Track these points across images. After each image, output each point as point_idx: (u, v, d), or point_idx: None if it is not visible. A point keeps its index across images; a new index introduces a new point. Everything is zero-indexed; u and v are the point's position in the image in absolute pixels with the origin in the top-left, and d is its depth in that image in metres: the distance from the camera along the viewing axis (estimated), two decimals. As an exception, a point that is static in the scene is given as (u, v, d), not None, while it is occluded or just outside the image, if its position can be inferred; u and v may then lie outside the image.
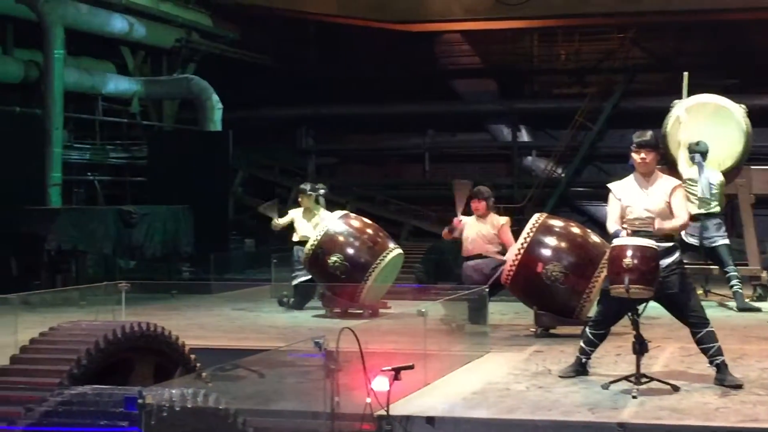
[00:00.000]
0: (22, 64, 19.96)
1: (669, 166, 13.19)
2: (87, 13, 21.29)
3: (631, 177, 8.31)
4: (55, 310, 12.40)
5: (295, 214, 14.05)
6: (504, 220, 11.93)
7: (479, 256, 11.71)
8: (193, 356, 6.99)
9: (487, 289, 10.82)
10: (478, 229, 11.78)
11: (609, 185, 8.43)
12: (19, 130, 17.96)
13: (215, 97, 23.33)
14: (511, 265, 10.96)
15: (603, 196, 8.81)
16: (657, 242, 7.86)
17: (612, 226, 8.20)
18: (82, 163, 22.05)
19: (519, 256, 10.93)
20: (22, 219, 16.19)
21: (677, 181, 8.38)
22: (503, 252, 11.58)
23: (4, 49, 20.31)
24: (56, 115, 18.05)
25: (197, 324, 12.36)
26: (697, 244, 13.12)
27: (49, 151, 17.79)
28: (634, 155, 8.24)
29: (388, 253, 12.92)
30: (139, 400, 4.58)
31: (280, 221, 14.06)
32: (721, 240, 13.13)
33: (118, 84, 22.99)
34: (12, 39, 20.46)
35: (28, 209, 16.48)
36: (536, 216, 11.37)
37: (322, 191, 14.17)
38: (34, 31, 19.08)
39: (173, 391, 5.12)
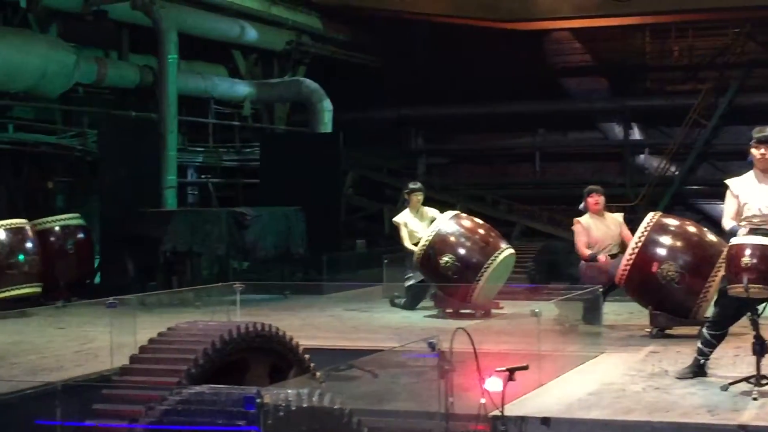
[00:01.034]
0: (138, 69, 20.33)
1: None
2: (200, 18, 21.62)
3: (750, 173, 8.14)
4: (171, 310, 12.62)
5: (405, 219, 13.91)
6: (620, 216, 11.87)
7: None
8: (307, 356, 7.03)
9: (601, 289, 10.71)
10: (604, 229, 11.69)
11: (727, 181, 8.27)
12: (135, 134, 18.30)
13: (326, 99, 23.49)
14: (625, 265, 10.81)
15: (718, 194, 8.65)
16: (777, 240, 7.68)
17: (728, 223, 8.04)
18: (195, 166, 22.39)
19: (633, 256, 10.78)
20: (138, 221, 16.48)
21: (799, 177, 8.16)
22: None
23: (120, 54, 20.72)
24: (171, 118, 18.33)
25: (310, 324, 12.44)
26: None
27: (164, 154, 18.08)
28: (753, 151, 8.07)
29: (500, 253, 12.85)
30: (258, 400, 4.63)
31: (409, 245, 13.75)
32: None
33: (230, 87, 23.29)
34: (128, 45, 20.87)
35: (144, 211, 16.77)
36: (651, 215, 11.20)
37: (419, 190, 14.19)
38: (148, 36, 19.42)
39: (289, 391, 5.16)
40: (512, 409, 7.02)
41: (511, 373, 6.63)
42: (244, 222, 16.27)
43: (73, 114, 19.69)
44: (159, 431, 5.10)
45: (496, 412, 6.79)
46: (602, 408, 7.40)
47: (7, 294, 13.63)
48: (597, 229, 11.73)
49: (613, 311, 12.16)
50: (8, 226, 13.97)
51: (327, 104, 23.42)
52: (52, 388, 7.01)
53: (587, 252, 11.62)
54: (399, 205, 14.31)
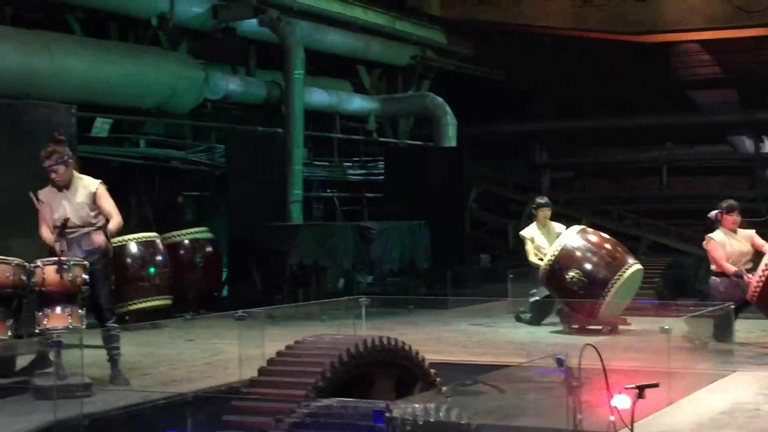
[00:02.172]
0: (265, 85, 20.60)
1: None
2: (325, 34, 21.82)
3: None
4: (297, 323, 12.75)
5: (531, 234, 13.88)
6: (752, 231, 11.64)
7: (738, 273, 11.32)
8: (432, 371, 7.02)
9: (732, 306, 10.48)
10: (738, 245, 11.48)
11: None
12: (261, 149, 18.54)
13: (450, 113, 23.46)
14: (758, 282, 10.57)
15: None
16: None
17: None
18: (321, 180, 22.59)
19: (766, 272, 10.53)
20: (265, 235, 16.67)
21: None
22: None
23: (248, 70, 21.03)
24: (297, 133, 18.51)
25: (435, 339, 12.44)
26: None
27: (291, 168, 18.26)
28: None
29: (627, 269, 12.67)
30: (387, 414, 4.63)
31: (534, 260, 13.73)
32: None
33: (355, 102, 23.44)
34: (255, 60, 21.17)
35: (271, 225, 16.95)
36: (784, 230, 10.93)
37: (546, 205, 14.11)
38: (275, 52, 19.67)
39: (416, 406, 5.16)
40: (642, 428, 6.90)
41: (640, 390, 6.52)
42: (369, 236, 16.35)
43: (201, 129, 20.05)
44: (288, 443, 5.15)
45: (626, 431, 6.68)
46: (735, 428, 7.23)
47: (138, 306, 13.92)
48: (730, 245, 11.51)
49: (745, 329, 11.87)
50: (140, 240, 14.27)
51: (451, 118, 23.39)
52: (182, 399, 7.14)
53: (732, 268, 11.36)
54: (525, 220, 14.24)
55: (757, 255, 11.35)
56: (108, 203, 9.35)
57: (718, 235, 11.61)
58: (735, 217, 11.63)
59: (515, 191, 27.62)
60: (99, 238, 9.12)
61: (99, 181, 9.44)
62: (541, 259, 13.23)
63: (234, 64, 20.83)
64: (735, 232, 11.64)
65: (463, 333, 13.34)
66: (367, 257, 16.43)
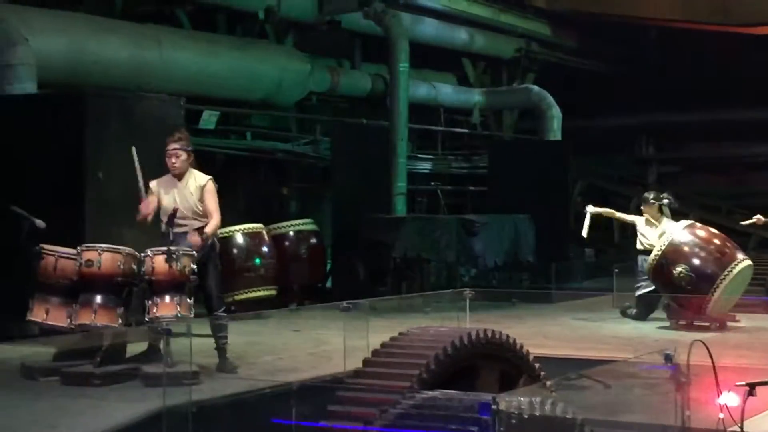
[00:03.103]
0: (369, 78, 20.69)
1: None
2: (430, 27, 21.82)
3: None
4: (401, 315, 12.77)
5: (637, 221, 13.87)
6: None
7: None
8: (537, 365, 6.98)
9: None
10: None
11: None
12: (366, 141, 18.61)
13: (554, 107, 23.29)
14: None
15: None
16: None
17: None
18: (424, 173, 22.59)
19: None
20: (369, 227, 16.74)
21: None
22: None
23: (352, 63, 21.13)
24: (401, 126, 18.53)
25: (539, 333, 12.36)
26: None
27: (395, 161, 18.29)
28: None
29: (736, 264, 12.46)
30: (493, 406, 4.62)
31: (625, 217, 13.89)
32: None
33: (459, 95, 23.41)
34: (360, 53, 21.26)
35: (375, 217, 17.02)
36: None
37: (666, 201, 13.87)
38: (380, 45, 19.73)
39: (522, 399, 5.14)
40: (752, 426, 6.77)
41: (751, 388, 6.40)
42: (473, 229, 16.31)
43: (306, 122, 20.22)
44: (392, 435, 5.17)
45: (735, 428, 6.57)
46: None
47: (244, 296, 14.07)
48: None
49: None
50: (246, 231, 14.42)
51: (556, 111, 23.23)
52: (288, 389, 7.21)
53: None
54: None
55: None
56: (212, 201, 9.45)
57: None
58: None
59: (621, 185, 27.29)
60: (195, 239, 9.23)
61: (210, 177, 9.58)
62: (645, 251, 13.17)
63: (339, 57, 20.94)
64: None
65: (567, 327, 13.25)
66: (470, 250, 16.40)
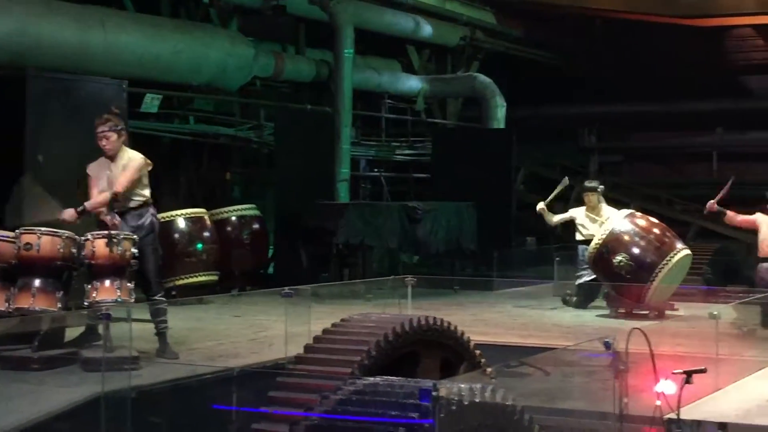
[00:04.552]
0: (314, 64, 20.62)
1: None
2: (375, 13, 21.77)
3: None
4: (343, 302, 12.78)
5: (576, 213, 13.97)
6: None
7: (771, 258, 11.35)
8: (478, 352, 7.02)
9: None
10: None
11: None
12: (309, 127, 18.53)
13: (499, 95, 23.36)
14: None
15: None
16: None
17: None
18: (368, 160, 22.59)
19: (817, 260, 10.44)
20: (312, 213, 16.69)
21: None
22: None
23: (297, 48, 21.05)
24: (345, 112, 18.49)
25: (480, 320, 12.43)
26: None
27: (338, 147, 18.26)
28: None
29: (675, 254, 12.61)
30: (434, 393, 4.63)
31: (555, 218, 14.04)
32: None
33: (403, 82, 23.41)
34: (305, 39, 21.19)
35: (318, 204, 16.98)
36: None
37: (601, 188, 14.04)
38: (325, 31, 19.67)
39: (462, 386, 5.16)
40: (688, 413, 6.86)
41: (688, 375, 6.49)
42: (415, 216, 16.34)
43: (250, 107, 20.11)
44: (333, 420, 5.16)
45: (672, 415, 6.65)
46: (783, 416, 7.17)
47: (185, 281, 14.02)
48: (766, 227, 11.45)
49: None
50: (188, 216, 14.36)
51: (500, 100, 23.30)
52: (229, 374, 7.20)
53: (741, 218, 11.87)
54: (572, 203, 14.23)
55: None
56: (126, 175, 9.23)
57: (763, 216, 11.63)
58: None
59: (563, 174, 27.43)
60: (68, 212, 9.09)
61: (142, 157, 9.44)
62: (586, 241, 13.30)
63: (284, 43, 20.85)
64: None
65: (508, 315, 13.33)
66: (413, 237, 16.42)
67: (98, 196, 9.25)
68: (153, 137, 16.90)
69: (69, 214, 9.13)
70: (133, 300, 8.97)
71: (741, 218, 12.10)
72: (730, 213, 12.08)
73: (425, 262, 19.16)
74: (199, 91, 18.14)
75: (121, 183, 9.22)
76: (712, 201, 12.17)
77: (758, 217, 11.71)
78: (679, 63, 25.59)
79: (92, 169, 9.41)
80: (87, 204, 9.18)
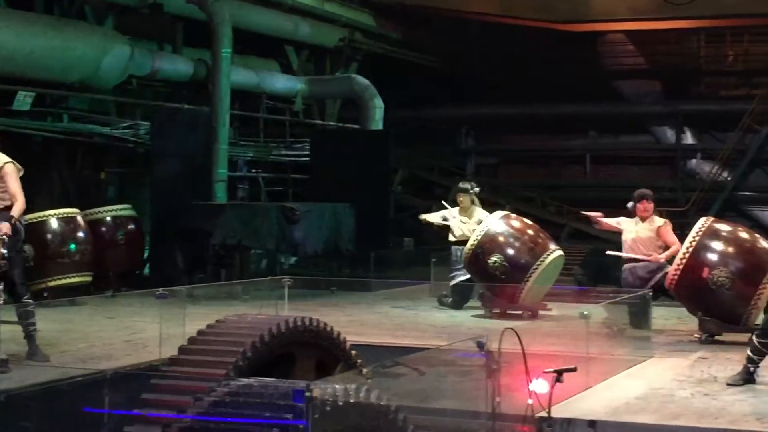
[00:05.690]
0: (191, 63, 20.44)
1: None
2: (254, 13, 21.69)
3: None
4: (219, 303, 12.68)
5: (449, 214, 14.04)
6: (663, 221, 11.84)
7: (634, 259, 11.62)
8: (354, 352, 7.04)
9: (650, 293, 10.66)
10: (635, 233, 11.69)
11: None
12: (187, 127, 18.36)
13: (377, 97, 23.47)
14: (675, 269, 10.75)
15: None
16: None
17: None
18: (246, 160, 22.48)
19: (684, 260, 10.72)
20: (188, 214, 16.56)
21: None
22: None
23: (174, 47, 20.84)
24: (223, 112, 18.38)
25: (357, 321, 12.46)
26: None
27: (216, 147, 18.14)
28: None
29: (548, 255, 12.81)
30: (307, 393, 4.63)
31: (429, 217, 14.16)
32: None
33: (282, 82, 23.36)
34: (182, 38, 20.99)
35: (194, 204, 16.84)
36: (703, 220, 11.13)
37: (476, 189, 14.19)
38: (203, 30, 19.51)
39: (337, 386, 5.17)
40: (559, 411, 7.00)
41: (558, 374, 6.61)
42: (293, 217, 16.29)
43: (126, 106, 19.84)
44: (207, 422, 5.13)
45: (543, 414, 6.77)
46: (650, 413, 7.35)
47: (58, 282, 13.78)
48: (629, 231, 11.73)
49: (662, 316, 12.08)
50: (61, 216, 14.11)
51: (378, 102, 23.41)
52: (101, 377, 7.08)
53: (605, 222, 12.05)
54: (450, 204, 14.33)
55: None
56: (13, 183, 9.03)
57: (626, 220, 11.90)
58: (645, 205, 11.80)
59: (440, 176, 27.73)
60: (4, 227, 8.89)
61: (8, 159, 9.19)
62: (458, 242, 13.45)
63: (161, 41, 20.63)
64: (645, 220, 11.80)
65: (385, 315, 13.39)
66: (290, 238, 16.38)
67: (17, 204, 8.99)
68: (25, 135, 16.57)
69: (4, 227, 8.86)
70: (2, 302, 8.77)
71: (605, 222, 12.34)
72: (603, 220, 12.26)
73: (303, 263, 19.13)
74: (73, 89, 17.84)
75: (16, 195, 8.99)
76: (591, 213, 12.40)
77: (622, 221, 12.00)
78: (554, 67, 26.06)
79: None
80: (13, 213, 8.93)
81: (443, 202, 14.52)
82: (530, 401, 6.72)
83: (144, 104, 19.82)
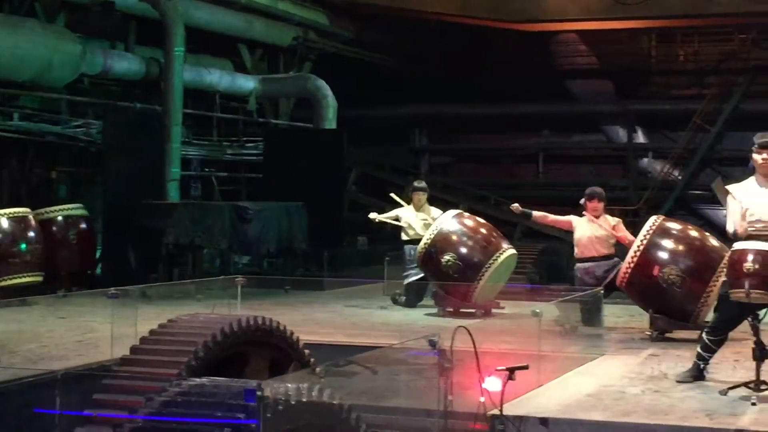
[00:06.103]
0: (144, 61, 20.33)
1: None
2: (207, 12, 21.61)
3: (751, 179, 8.14)
4: (172, 302, 12.63)
5: (404, 213, 14.08)
6: (616, 220, 11.92)
7: (591, 258, 11.69)
8: (307, 351, 7.04)
9: (602, 291, 10.74)
10: (590, 231, 11.75)
11: (728, 187, 8.26)
12: (139, 126, 18.28)
13: (330, 96, 23.44)
14: (627, 268, 10.83)
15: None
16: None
17: (731, 228, 8.04)
18: (199, 159, 22.39)
19: (635, 259, 10.81)
20: (141, 213, 16.49)
21: (802, 183, 8.14)
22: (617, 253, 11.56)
23: (126, 46, 20.72)
24: (175, 111, 18.30)
25: (311, 320, 12.46)
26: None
27: (168, 146, 18.04)
28: (755, 156, 8.07)
29: (501, 253, 12.86)
30: (258, 393, 4.63)
31: (382, 217, 14.18)
32: None
33: (235, 81, 23.27)
34: (134, 36, 20.87)
35: (147, 203, 16.77)
36: (653, 218, 11.23)
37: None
38: (155, 28, 19.41)
39: (289, 385, 5.17)
40: (511, 409, 7.04)
41: (511, 372, 6.65)
42: (246, 216, 16.26)
43: (78, 104, 19.70)
44: (158, 422, 5.11)
45: (495, 411, 6.80)
46: (601, 409, 7.41)
47: (8, 282, 13.66)
48: (582, 229, 11.80)
49: (614, 313, 12.17)
50: (11, 215, 14.00)
51: (331, 100, 23.38)
52: (52, 377, 7.02)
53: (552, 217, 12.16)
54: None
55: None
56: None
57: (577, 218, 11.97)
58: (595, 204, 11.88)
59: (394, 175, 27.75)
60: None
61: None
62: (413, 240, 13.48)
63: (113, 40, 20.49)
64: (598, 218, 11.87)
65: (338, 314, 13.39)
66: (244, 237, 16.34)
67: None
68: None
69: None
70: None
71: (553, 218, 12.43)
72: (537, 213, 12.38)
73: (256, 262, 19.09)
74: (24, 88, 17.69)
75: None
76: (516, 204, 12.50)
77: (573, 219, 12.05)
78: (507, 66, 26.18)
79: None
80: None
81: (393, 195, 14.57)
82: (483, 399, 6.76)
83: (96, 103, 19.69)
